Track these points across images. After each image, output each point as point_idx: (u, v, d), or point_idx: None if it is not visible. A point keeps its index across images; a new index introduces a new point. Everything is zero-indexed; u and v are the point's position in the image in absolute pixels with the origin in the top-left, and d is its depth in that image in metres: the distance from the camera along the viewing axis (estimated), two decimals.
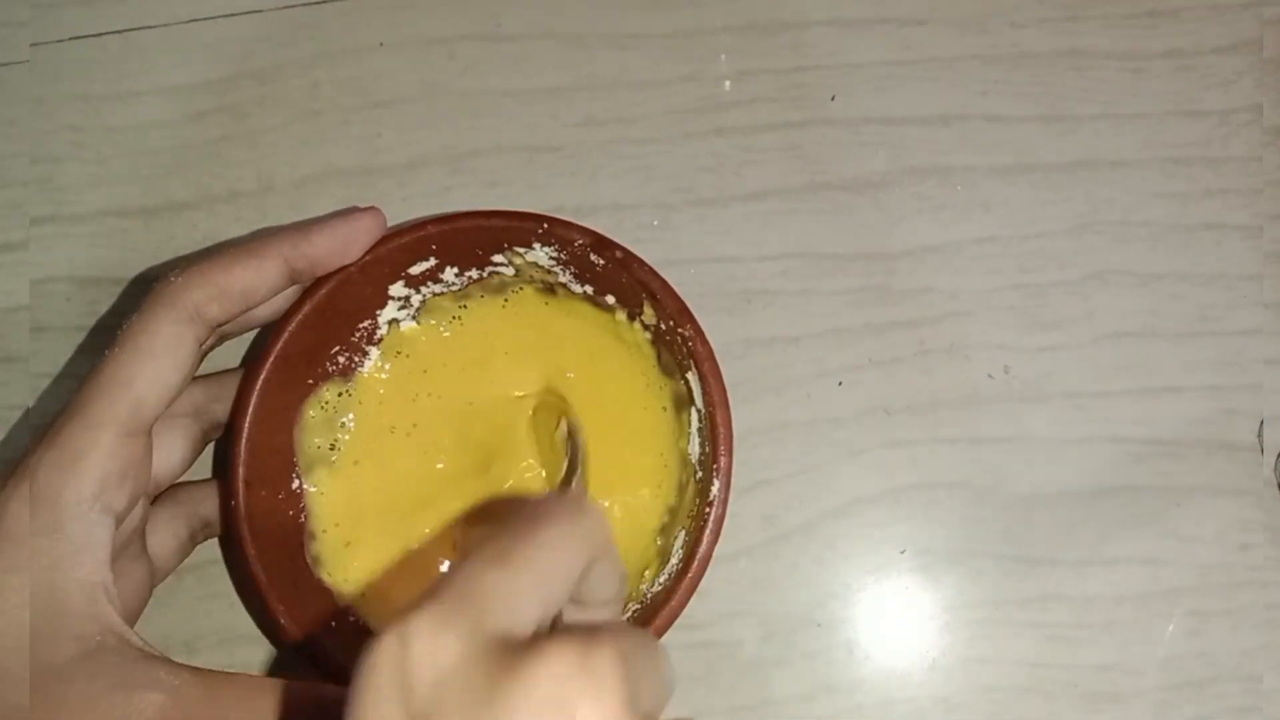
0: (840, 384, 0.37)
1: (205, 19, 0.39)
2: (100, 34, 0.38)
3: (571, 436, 0.33)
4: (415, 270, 0.33)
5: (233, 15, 0.39)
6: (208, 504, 0.33)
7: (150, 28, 0.39)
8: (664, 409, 0.34)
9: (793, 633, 0.36)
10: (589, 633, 0.19)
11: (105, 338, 0.36)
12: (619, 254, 0.32)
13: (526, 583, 0.20)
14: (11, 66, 0.38)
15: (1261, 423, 0.37)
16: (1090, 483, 0.37)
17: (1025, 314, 0.38)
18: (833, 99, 0.39)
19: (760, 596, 0.36)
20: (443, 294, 0.34)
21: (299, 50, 0.38)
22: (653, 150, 0.38)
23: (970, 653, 0.36)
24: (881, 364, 0.37)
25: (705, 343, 0.32)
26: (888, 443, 0.37)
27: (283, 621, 0.31)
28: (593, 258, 0.32)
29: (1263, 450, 0.37)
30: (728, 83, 0.38)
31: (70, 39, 0.38)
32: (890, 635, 0.36)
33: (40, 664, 0.25)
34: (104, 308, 0.37)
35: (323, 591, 0.33)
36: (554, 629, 0.21)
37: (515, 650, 0.19)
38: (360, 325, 0.34)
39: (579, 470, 0.32)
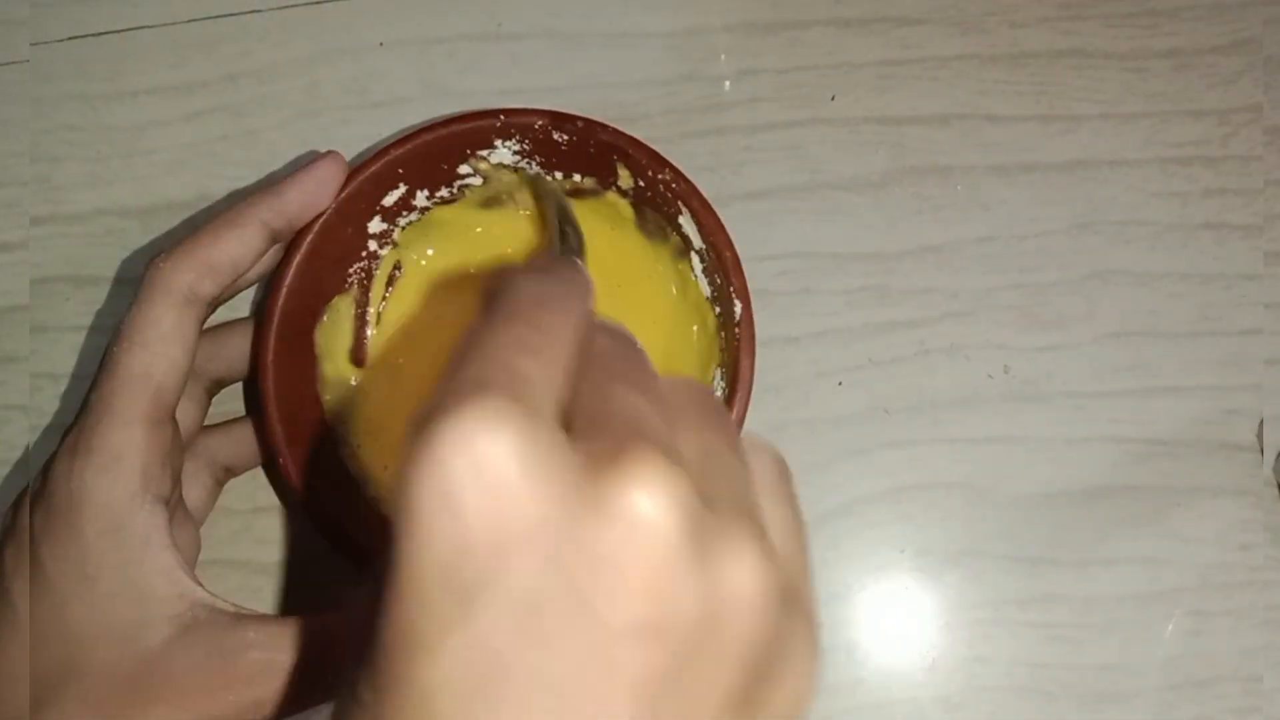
0: (840, 384, 0.37)
1: (205, 18, 0.38)
2: (99, 33, 0.38)
3: (551, 200, 0.33)
4: (388, 201, 0.33)
5: (232, 15, 0.38)
6: (224, 450, 0.33)
7: (149, 27, 0.39)
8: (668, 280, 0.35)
9: None
10: (661, 434, 0.17)
11: (104, 338, 0.36)
12: (580, 124, 0.32)
13: (555, 363, 0.18)
14: (11, 66, 0.38)
15: (1261, 423, 0.37)
16: (1090, 483, 0.37)
17: (1025, 314, 0.38)
18: (833, 99, 0.38)
19: None
20: (417, 221, 0.35)
21: (299, 50, 0.38)
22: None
23: (970, 653, 0.36)
24: (881, 364, 0.37)
25: (687, 180, 0.32)
26: (888, 443, 0.37)
27: (364, 544, 0.31)
28: (555, 136, 0.32)
29: (1263, 450, 0.37)
30: (728, 83, 0.38)
31: (69, 38, 0.38)
32: (890, 635, 0.36)
33: (141, 651, 0.26)
34: (103, 308, 0.37)
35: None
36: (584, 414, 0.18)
37: (579, 461, 0.17)
38: (350, 269, 0.34)
39: (566, 231, 0.31)
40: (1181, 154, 0.39)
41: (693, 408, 0.20)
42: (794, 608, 0.18)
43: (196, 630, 0.27)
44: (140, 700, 0.26)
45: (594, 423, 0.18)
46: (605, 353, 0.20)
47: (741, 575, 0.17)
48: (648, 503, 0.16)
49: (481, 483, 0.16)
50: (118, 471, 0.27)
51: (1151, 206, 0.38)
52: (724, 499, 0.18)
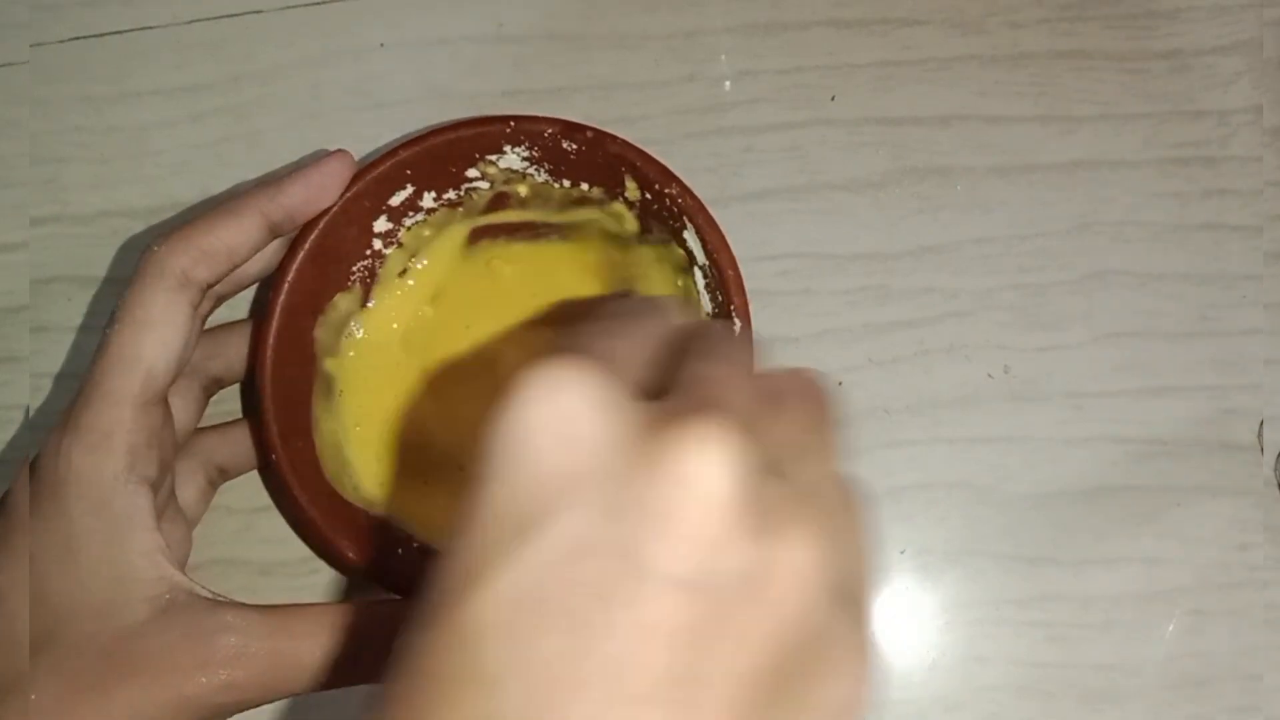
0: (840, 384, 0.37)
1: (206, 19, 0.39)
2: (102, 34, 0.39)
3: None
4: (395, 201, 0.33)
5: (234, 15, 0.39)
6: (220, 452, 0.33)
7: (151, 28, 0.39)
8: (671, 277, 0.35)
9: None
10: (710, 395, 0.18)
11: None
12: (590, 134, 0.32)
13: (639, 347, 0.20)
14: (12, 67, 0.38)
15: (1261, 423, 0.37)
16: (1090, 483, 0.37)
17: (1025, 314, 0.38)
18: (833, 99, 0.39)
19: None
20: (423, 222, 0.35)
21: (300, 50, 0.38)
22: (653, 150, 0.38)
23: (970, 653, 0.36)
24: (881, 364, 0.37)
25: (694, 196, 0.32)
26: (888, 443, 0.37)
27: (349, 554, 0.31)
28: (565, 145, 0.32)
29: (1263, 450, 0.37)
30: (728, 83, 0.38)
31: (71, 39, 0.39)
32: (890, 635, 0.36)
33: (117, 629, 0.27)
34: (105, 308, 0.37)
35: (383, 525, 0.34)
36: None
37: (650, 420, 0.18)
38: (354, 268, 0.34)
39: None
40: (1181, 155, 0.39)
41: (797, 396, 0.21)
42: (846, 609, 0.18)
43: (174, 612, 0.27)
44: (113, 675, 0.26)
45: (678, 392, 0.19)
46: (704, 342, 0.21)
47: (794, 552, 0.17)
48: (702, 459, 0.17)
49: (554, 430, 0.17)
50: (104, 450, 0.27)
51: (1151, 207, 0.38)
52: (798, 482, 0.18)
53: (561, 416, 0.17)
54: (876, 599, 0.20)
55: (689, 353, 0.21)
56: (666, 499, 0.17)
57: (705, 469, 0.17)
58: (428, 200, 0.34)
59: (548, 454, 0.17)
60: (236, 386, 0.35)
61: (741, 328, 0.32)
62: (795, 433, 0.20)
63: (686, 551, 0.17)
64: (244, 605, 0.28)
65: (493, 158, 0.33)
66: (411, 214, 0.34)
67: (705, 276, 0.33)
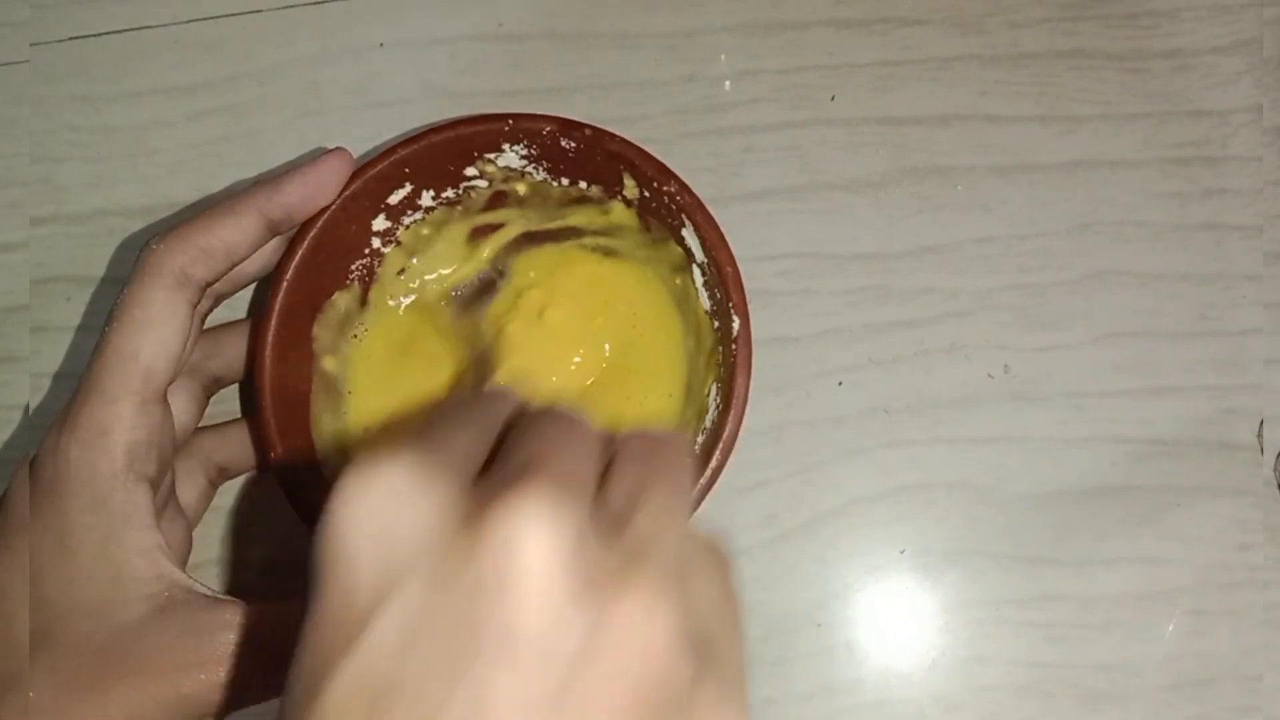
0: (840, 384, 0.37)
1: (205, 19, 0.39)
2: (100, 34, 0.38)
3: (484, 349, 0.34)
4: (393, 200, 0.33)
5: (233, 15, 0.39)
6: (220, 451, 0.33)
7: (150, 27, 0.39)
8: (667, 288, 0.35)
9: (793, 633, 0.36)
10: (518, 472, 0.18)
11: None
12: (588, 132, 0.32)
13: (476, 430, 0.21)
14: (11, 66, 0.38)
15: (1261, 423, 0.37)
16: (1090, 483, 0.37)
17: (1025, 314, 0.38)
18: (833, 99, 0.39)
19: (760, 596, 0.36)
20: (421, 221, 0.35)
21: (299, 50, 0.38)
22: (653, 150, 0.38)
23: (970, 653, 0.36)
24: (881, 364, 0.37)
25: (692, 194, 0.32)
26: (888, 443, 0.37)
27: None
28: (563, 143, 0.32)
29: (1263, 450, 0.37)
30: (728, 83, 0.38)
31: (70, 39, 0.38)
32: (890, 635, 0.36)
33: (115, 627, 0.26)
34: (104, 307, 0.37)
35: None
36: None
37: (470, 497, 0.18)
38: (353, 266, 0.34)
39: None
40: (1181, 154, 0.39)
41: (635, 453, 0.21)
42: (706, 662, 0.18)
43: (172, 610, 0.27)
44: (110, 674, 0.26)
45: (499, 463, 0.19)
46: (536, 414, 0.21)
47: (633, 612, 0.17)
48: (520, 524, 0.17)
49: (372, 526, 0.18)
50: (101, 447, 0.27)
51: (1151, 207, 0.38)
52: (636, 539, 0.19)
53: (376, 512, 0.18)
54: (745, 648, 0.19)
55: (518, 427, 0.21)
56: (490, 572, 0.17)
57: (524, 534, 0.17)
58: (426, 199, 0.34)
59: (368, 551, 0.17)
60: (236, 386, 0.35)
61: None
62: (632, 489, 0.20)
63: (519, 621, 0.17)
64: (243, 602, 0.28)
65: (491, 156, 0.33)
66: (410, 212, 0.34)
67: (704, 274, 0.33)
